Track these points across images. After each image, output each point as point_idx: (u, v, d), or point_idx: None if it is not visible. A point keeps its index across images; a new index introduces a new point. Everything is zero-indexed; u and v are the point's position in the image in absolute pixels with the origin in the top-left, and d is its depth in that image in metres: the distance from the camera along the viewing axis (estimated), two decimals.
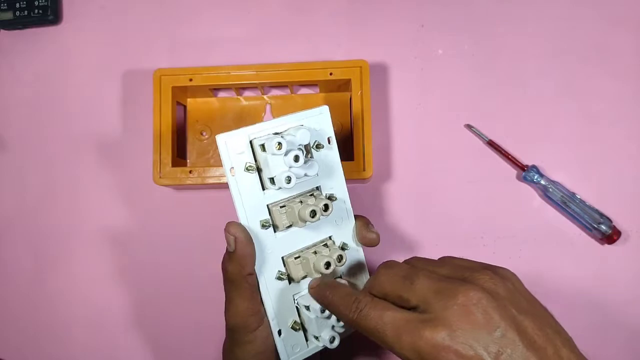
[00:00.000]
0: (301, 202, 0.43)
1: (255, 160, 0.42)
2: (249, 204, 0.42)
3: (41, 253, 0.60)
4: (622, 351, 0.55)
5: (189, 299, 0.58)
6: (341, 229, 0.46)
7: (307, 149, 0.43)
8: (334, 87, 0.58)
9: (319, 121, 0.44)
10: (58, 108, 0.62)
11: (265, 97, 0.60)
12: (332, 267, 0.42)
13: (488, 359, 0.32)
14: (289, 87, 0.59)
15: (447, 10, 0.60)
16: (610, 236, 0.55)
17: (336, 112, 0.59)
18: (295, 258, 0.44)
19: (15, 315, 0.59)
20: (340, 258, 0.43)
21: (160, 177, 0.55)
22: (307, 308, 0.44)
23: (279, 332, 0.44)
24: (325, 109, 0.44)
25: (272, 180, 0.41)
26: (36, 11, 0.62)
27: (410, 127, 0.59)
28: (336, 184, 0.45)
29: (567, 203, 0.55)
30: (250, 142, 0.41)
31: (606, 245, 0.56)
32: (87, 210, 0.60)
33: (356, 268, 0.47)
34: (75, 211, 0.60)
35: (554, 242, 0.57)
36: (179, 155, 0.58)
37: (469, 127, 0.58)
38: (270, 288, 0.43)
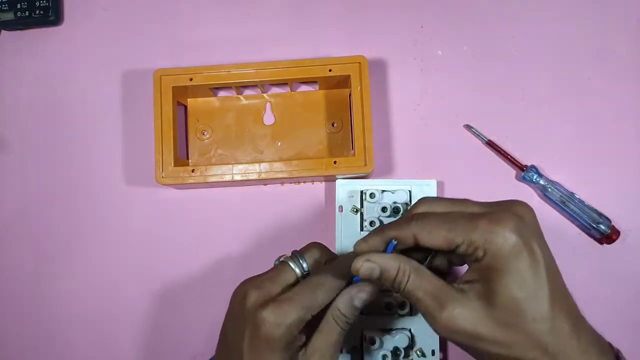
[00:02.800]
0: None
1: (361, 207, 0.54)
2: (346, 237, 0.54)
3: (42, 252, 0.60)
4: (622, 350, 0.55)
5: (191, 299, 0.58)
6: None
7: (399, 210, 0.54)
8: (334, 84, 0.59)
9: (424, 191, 0.54)
10: (59, 108, 0.62)
11: (265, 95, 0.60)
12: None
13: None
14: (288, 84, 0.59)
15: (447, 11, 0.61)
16: (609, 236, 0.55)
17: (336, 109, 0.60)
18: None
19: (16, 314, 0.59)
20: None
21: (162, 177, 0.55)
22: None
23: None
24: (432, 182, 0.54)
25: (371, 223, 0.53)
26: (37, 12, 0.62)
27: (410, 127, 0.59)
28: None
29: (566, 203, 0.55)
30: (362, 191, 0.54)
31: (605, 245, 0.56)
32: (88, 210, 0.60)
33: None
34: (77, 211, 0.60)
35: (552, 241, 0.56)
36: (181, 155, 0.58)
37: (468, 127, 0.58)
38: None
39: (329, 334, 0.42)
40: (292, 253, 0.45)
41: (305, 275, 0.43)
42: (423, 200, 0.41)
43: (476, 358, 0.39)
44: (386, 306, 0.52)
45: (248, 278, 0.44)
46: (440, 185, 0.58)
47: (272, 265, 0.45)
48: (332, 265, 0.44)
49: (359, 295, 0.42)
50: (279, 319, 0.39)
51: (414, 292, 0.38)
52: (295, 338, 0.40)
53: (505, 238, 0.35)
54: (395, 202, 0.54)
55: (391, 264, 0.39)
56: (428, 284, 0.38)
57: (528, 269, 0.36)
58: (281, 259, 0.45)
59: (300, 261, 0.44)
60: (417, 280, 0.38)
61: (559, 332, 0.36)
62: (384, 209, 0.53)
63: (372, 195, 0.53)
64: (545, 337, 0.35)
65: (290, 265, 0.43)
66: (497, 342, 0.36)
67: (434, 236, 0.38)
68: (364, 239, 0.42)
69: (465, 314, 0.36)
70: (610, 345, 0.40)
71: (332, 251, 0.47)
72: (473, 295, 0.37)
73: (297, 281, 0.43)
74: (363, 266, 0.39)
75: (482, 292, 0.36)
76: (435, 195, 0.54)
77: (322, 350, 0.42)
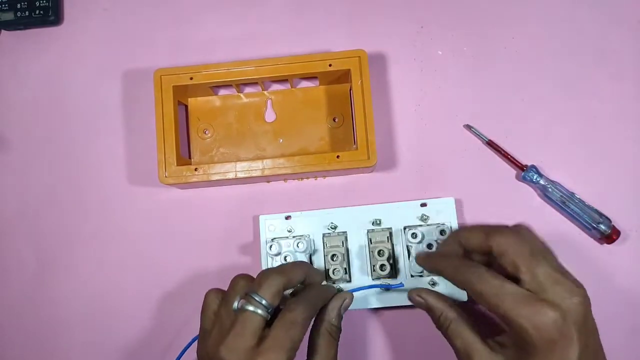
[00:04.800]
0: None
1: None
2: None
3: (43, 252, 0.60)
4: (622, 350, 0.55)
5: (196, 298, 0.58)
6: None
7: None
8: (334, 79, 0.59)
9: (441, 209, 0.55)
10: (59, 108, 0.62)
11: (265, 92, 0.60)
12: None
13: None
14: (289, 81, 0.59)
15: (447, 11, 0.61)
16: (610, 236, 0.55)
17: (336, 104, 0.60)
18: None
19: (17, 314, 0.59)
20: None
21: (166, 177, 0.55)
22: None
23: None
24: (450, 201, 0.55)
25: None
26: (37, 12, 0.62)
27: (410, 127, 0.59)
28: None
29: (566, 203, 0.55)
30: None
31: (605, 244, 0.56)
32: (91, 210, 0.60)
33: None
34: (79, 211, 0.60)
35: (553, 241, 0.56)
36: (183, 154, 0.59)
37: (468, 127, 0.58)
38: None
39: (329, 350, 0.45)
40: (245, 294, 0.43)
41: (270, 311, 0.43)
42: (507, 233, 0.43)
43: None
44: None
45: (212, 339, 0.43)
46: (440, 186, 0.58)
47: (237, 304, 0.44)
48: (302, 298, 0.45)
49: (344, 304, 0.48)
50: None
51: (452, 338, 0.43)
52: None
53: (540, 330, 0.38)
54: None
55: (436, 306, 0.46)
56: (465, 336, 0.43)
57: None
58: (237, 306, 0.43)
59: (258, 299, 0.42)
60: (456, 329, 0.43)
61: None
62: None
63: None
64: None
65: (250, 311, 0.42)
66: None
67: (482, 301, 0.41)
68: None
69: None
70: None
71: (284, 269, 0.46)
72: (502, 358, 0.41)
73: (265, 320, 0.42)
74: (415, 298, 0.47)
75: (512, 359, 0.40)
76: (454, 210, 0.55)
77: None
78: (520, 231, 0.43)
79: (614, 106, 0.58)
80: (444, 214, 0.55)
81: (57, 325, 0.59)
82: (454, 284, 0.44)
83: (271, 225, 0.55)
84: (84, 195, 0.60)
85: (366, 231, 0.55)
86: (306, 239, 0.54)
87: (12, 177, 0.61)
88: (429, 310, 0.46)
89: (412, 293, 0.48)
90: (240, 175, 0.54)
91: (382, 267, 0.53)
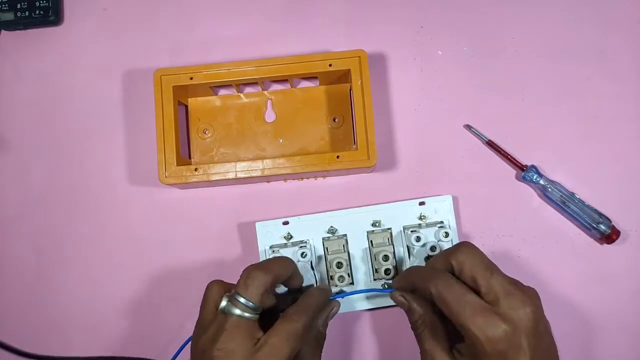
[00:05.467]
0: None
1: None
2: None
3: (43, 251, 0.60)
4: (621, 351, 0.55)
5: (196, 298, 0.58)
6: None
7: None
8: (334, 79, 0.59)
9: (438, 208, 0.56)
10: (60, 108, 0.62)
11: (265, 92, 0.60)
12: None
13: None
14: (289, 81, 0.59)
15: (447, 12, 0.61)
16: (610, 236, 0.55)
17: (336, 104, 0.60)
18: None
19: (18, 313, 0.59)
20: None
21: (166, 177, 0.55)
22: None
23: None
24: (448, 198, 0.56)
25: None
26: (37, 12, 0.62)
27: (410, 128, 0.59)
28: None
29: (566, 203, 0.55)
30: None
31: (605, 245, 0.56)
32: (91, 210, 0.60)
33: None
34: (79, 211, 0.60)
35: (553, 242, 0.57)
36: (183, 154, 0.59)
37: (468, 127, 0.58)
38: None
39: (314, 356, 0.47)
40: (228, 294, 0.44)
41: (259, 311, 0.43)
42: (463, 249, 0.45)
43: None
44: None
45: (208, 335, 0.43)
46: (440, 186, 0.58)
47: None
48: (304, 308, 0.45)
49: (332, 312, 0.51)
50: None
51: (422, 341, 0.45)
52: None
53: (491, 341, 0.39)
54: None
55: (417, 310, 0.46)
56: (434, 343, 0.44)
57: None
58: (223, 307, 0.43)
59: (244, 303, 0.42)
60: (428, 334, 0.45)
61: None
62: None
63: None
64: None
65: (237, 315, 0.42)
66: None
67: (444, 307, 0.42)
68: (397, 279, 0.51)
69: None
70: None
71: (271, 267, 0.45)
72: None
73: (255, 321, 0.43)
74: (398, 298, 0.48)
75: None
76: (451, 207, 0.55)
77: None
78: (472, 246, 0.45)
79: (614, 106, 0.58)
80: (442, 212, 0.55)
81: (57, 324, 0.59)
82: (424, 292, 0.44)
83: (268, 232, 0.55)
84: (84, 195, 0.60)
85: (366, 233, 0.55)
86: (308, 246, 0.54)
87: (12, 177, 0.61)
88: (409, 311, 0.47)
89: (395, 293, 0.49)
90: (240, 175, 0.54)
91: (386, 271, 0.53)
